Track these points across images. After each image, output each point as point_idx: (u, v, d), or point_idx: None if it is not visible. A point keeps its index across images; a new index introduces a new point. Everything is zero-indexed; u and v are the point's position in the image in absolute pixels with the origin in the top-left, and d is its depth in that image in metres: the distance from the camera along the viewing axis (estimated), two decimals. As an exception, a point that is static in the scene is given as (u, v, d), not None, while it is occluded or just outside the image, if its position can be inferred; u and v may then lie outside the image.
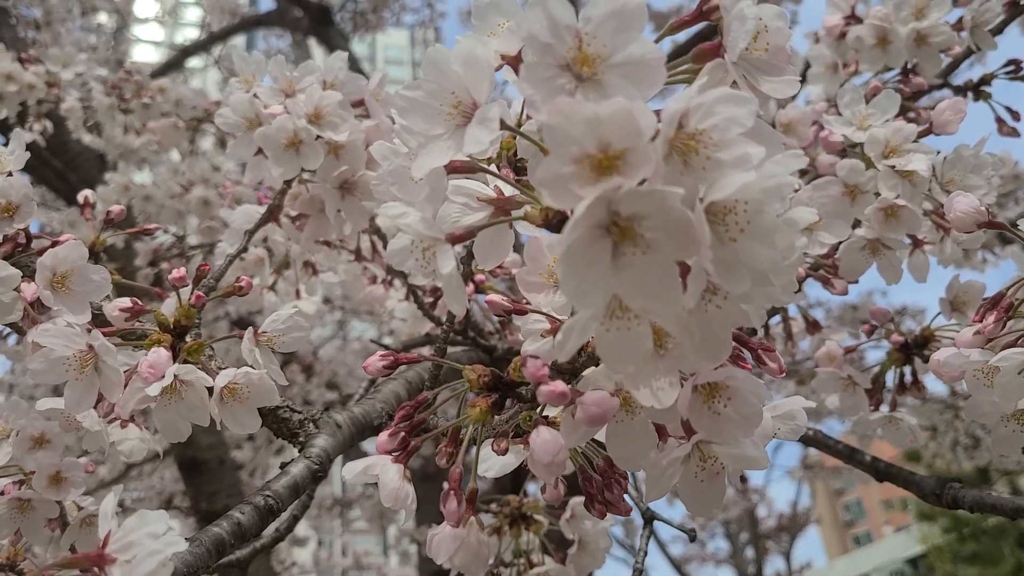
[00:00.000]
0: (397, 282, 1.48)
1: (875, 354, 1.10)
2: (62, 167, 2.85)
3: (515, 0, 0.57)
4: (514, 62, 0.53)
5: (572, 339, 0.47)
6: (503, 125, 0.50)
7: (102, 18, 4.75)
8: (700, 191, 0.44)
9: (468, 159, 0.52)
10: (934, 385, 1.05)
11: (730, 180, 0.42)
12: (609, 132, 0.41)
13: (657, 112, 0.46)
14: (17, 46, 2.80)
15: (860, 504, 25.13)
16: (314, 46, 5.94)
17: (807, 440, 1.15)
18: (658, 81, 0.44)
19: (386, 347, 1.39)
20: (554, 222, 0.51)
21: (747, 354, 0.60)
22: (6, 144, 0.91)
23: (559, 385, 0.53)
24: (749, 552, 13.29)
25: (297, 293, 1.36)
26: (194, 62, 5.83)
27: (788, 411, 0.60)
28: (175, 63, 5.05)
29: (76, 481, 0.94)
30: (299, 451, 0.87)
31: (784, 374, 0.60)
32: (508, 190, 0.57)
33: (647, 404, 0.51)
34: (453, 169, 0.52)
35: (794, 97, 2.15)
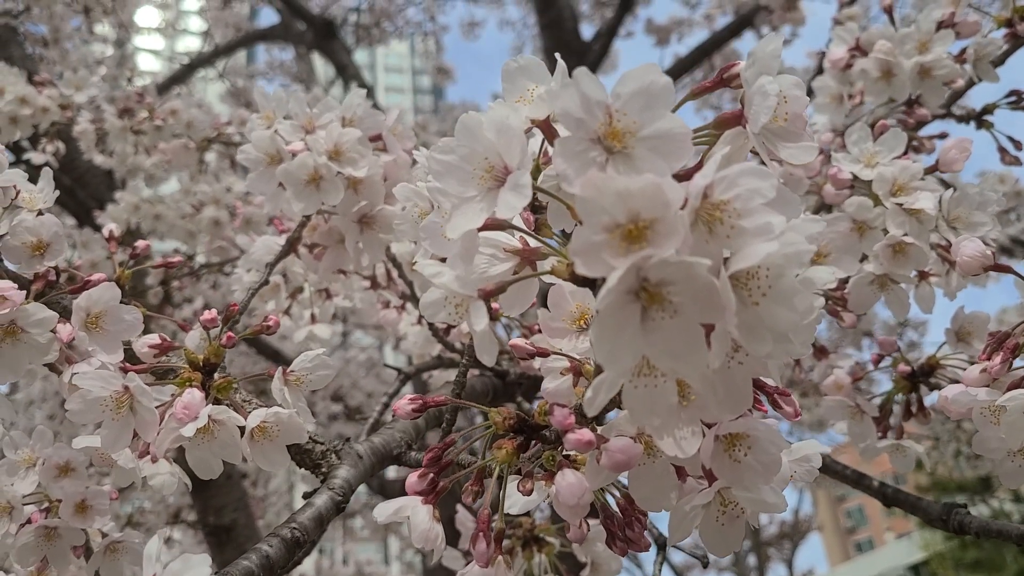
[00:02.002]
0: (409, 305, 1.50)
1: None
2: (71, 184, 2.87)
3: (543, 65, 0.60)
4: (544, 126, 0.56)
5: (601, 395, 0.49)
6: (530, 185, 0.52)
7: (104, 28, 4.79)
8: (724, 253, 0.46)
9: (499, 218, 0.54)
10: (933, 399, 1.07)
11: (754, 250, 0.44)
12: (639, 204, 0.44)
13: (680, 176, 0.48)
14: (26, 63, 2.83)
15: (862, 511, 25.13)
16: (316, 58, 5.98)
17: (816, 466, 1.17)
18: (685, 154, 0.46)
19: (399, 370, 1.42)
20: (580, 277, 0.54)
21: (763, 397, 0.62)
22: (17, 163, 0.93)
23: (585, 434, 0.55)
24: (751, 560, 13.30)
25: (312, 317, 1.38)
26: (198, 73, 5.86)
27: (804, 455, 0.62)
28: (180, 77, 5.07)
29: (101, 509, 0.96)
30: (322, 482, 0.89)
31: (799, 417, 0.62)
32: (533, 241, 0.60)
33: (671, 453, 0.53)
34: (485, 227, 0.54)
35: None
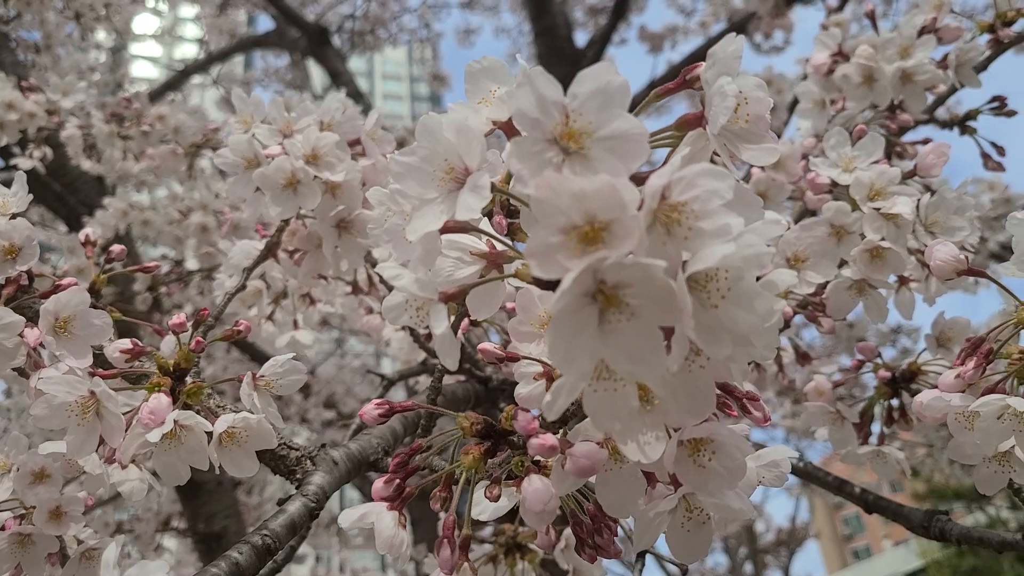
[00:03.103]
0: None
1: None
2: (61, 190, 2.86)
3: (506, 66, 0.59)
4: (506, 127, 0.55)
5: (560, 399, 0.49)
6: (494, 188, 0.52)
7: (100, 36, 4.79)
8: (683, 255, 0.46)
9: (462, 220, 0.54)
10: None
11: (711, 252, 0.43)
12: (595, 205, 0.43)
13: (640, 178, 0.48)
14: (17, 70, 2.82)
15: (859, 518, 25.08)
16: (312, 65, 5.98)
17: (798, 472, 1.16)
18: (642, 154, 0.46)
19: (382, 376, 1.41)
20: (543, 280, 0.53)
21: (733, 402, 0.61)
22: (5, 168, 0.93)
23: (549, 439, 0.55)
24: (748, 567, 13.27)
25: (295, 323, 1.37)
26: (193, 80, 5.86)
27: (772, 460, 0.61)
28: (174, 83, 5.07)
29: (76, 516, 0.95)
30: (296, 488, 0.88)
31: (769, 422, 0.62)
32: (500, 244, 0.59)
33: (634, 458, 0.52)
34: (446, 229, 0.54)
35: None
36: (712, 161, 0.55)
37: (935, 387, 0.91)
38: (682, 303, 0.43)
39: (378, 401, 0.65)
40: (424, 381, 1.60)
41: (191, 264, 2.39)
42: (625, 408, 0.49)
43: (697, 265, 0.44)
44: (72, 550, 0.98)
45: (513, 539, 1.14)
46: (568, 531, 1.03)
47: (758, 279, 0.48)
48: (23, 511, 0.97)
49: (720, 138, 0.50)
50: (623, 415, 0.50)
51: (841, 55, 1.27)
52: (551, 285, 0.53)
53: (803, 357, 1.25)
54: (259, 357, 3.62)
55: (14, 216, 0.90)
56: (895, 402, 1.06)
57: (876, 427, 1.09)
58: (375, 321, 1.45)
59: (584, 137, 0.46)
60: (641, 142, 0.45)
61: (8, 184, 0.92)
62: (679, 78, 0.53)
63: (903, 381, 1.04)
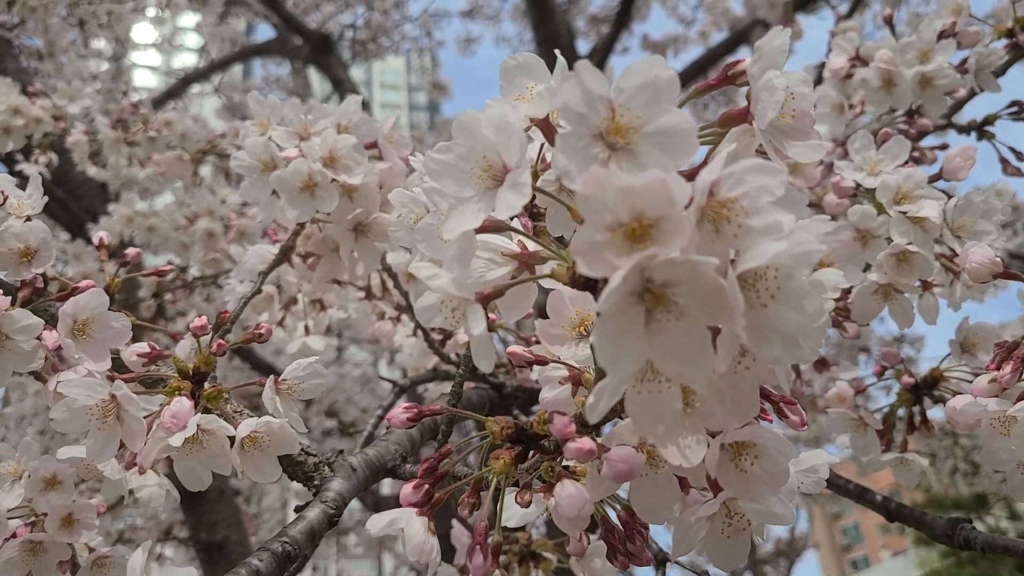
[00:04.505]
0: (405, 317, 1.48)
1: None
2: (64, 196, 2.85)
3: (542, 63, 0.58)
4: (543, 124, 0.54)
5: (603, 401, 0.47)
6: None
7: (100, 44, 4.78)
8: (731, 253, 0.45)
9: (497, 220, 0.53)
10: (933, 412, 1.06)
11: (763, 249, 0.42)
12: (643, 201, 0.42)
13: (685, 175, 0.47)
14: (20, 76, 2.82)
15: (857, 528, 25.05)
16: (313, 72, 5.98)
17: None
18: (690, 150, 0.45)
19: (394, 383, 1.40)
20: (580, 280, 0.52)
21: (768, 406, 0.60)
22: (9, 174, 0.92)
23: (586, 442, 0.53)
24: (747, 577, 13.23)
25: (307, 329, 1.36)
26: (193, 88, 5.86)
27: (811, 466, 0.60)
28: (175, 91, 5.07)
29: (88, 523, 0.93)
30: (314, 495, 0.87)
31: (806, 427, 0.60)
32: (532, 245, 0.58)
33: (675, 463, 0.51)
34: (483, 229, 0.53)
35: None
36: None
37: (958, 394, 0.90)
38: (733, 302, 0.42)
39: (406, 405, 0.64)
40: (433, 388, 1.59)
41: (195, 270, 2.37)
42: (669, 410, 0.48)
43: (748, 263, 0.43)
44: (83, 558, 0.97)
45: (527, 547, 1.12)
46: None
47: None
48: (34, 518, 0.96)
49: (766, 134, 0.49)
50: (666, 417, 0.48)
51: (859, 59, 1.26)
52: (587, 286, 0.52)
53: (820, 363, 1.24)
54: (259, 364, 3.60)
55: (29, 218, 0.89)
56: (916, 409, 1.05)
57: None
58: (387, 327, 1.44)
59: (631, 132, 0.45)
60: (690, 138, 0.44)
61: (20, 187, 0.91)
62: (721, 73, 0.53)
63: (925, 388, 1.03)
